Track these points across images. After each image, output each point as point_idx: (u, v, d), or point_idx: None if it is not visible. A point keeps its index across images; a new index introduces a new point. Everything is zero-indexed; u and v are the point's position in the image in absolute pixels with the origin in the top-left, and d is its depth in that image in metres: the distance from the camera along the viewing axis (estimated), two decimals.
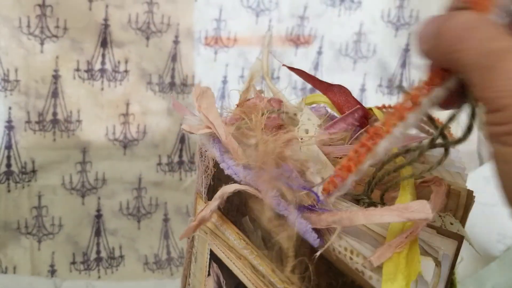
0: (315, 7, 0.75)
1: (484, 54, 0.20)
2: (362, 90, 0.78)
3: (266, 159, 0.28)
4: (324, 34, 0.76)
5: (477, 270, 0.60)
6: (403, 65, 0.77)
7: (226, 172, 0.31)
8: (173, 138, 0.72)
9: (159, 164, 0.72)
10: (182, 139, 0.72)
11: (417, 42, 0.23)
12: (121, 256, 0.71)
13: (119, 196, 0.70)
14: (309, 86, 0.74)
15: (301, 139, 0.32)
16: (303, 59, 0.76)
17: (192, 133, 0.36)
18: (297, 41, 0.75)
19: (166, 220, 0.73)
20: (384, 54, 0.77)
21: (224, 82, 0.73)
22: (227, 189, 0.30)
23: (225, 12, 0.71)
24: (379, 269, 0.25)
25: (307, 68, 0.77)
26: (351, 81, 0.78)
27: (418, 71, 0.77)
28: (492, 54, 0.20)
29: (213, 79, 0.72)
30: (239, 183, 0.30)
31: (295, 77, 0.71)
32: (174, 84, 0.71)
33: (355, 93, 0.78)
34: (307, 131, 0.34)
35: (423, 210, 0.23)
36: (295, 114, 0.34)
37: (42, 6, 0.63)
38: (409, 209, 0.23)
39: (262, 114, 0.35)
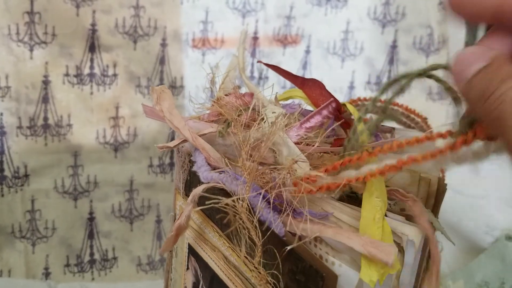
0: (301, 7, 0.75)
1: None
2: (351, 87, 0.78)
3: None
4: (311, 33, 0.77)
5: (466, 262, 0.60)
6: (391, 61, 0.78)
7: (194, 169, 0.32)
8: (163, 140, 0.73)
9: (151, 166, 0.72)
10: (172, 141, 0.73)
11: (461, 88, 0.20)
12: (115, 258, 0.71)
13: (111, 198, 0.71)
14: None
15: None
16: (291, 59, 0.77)
17: (169, 147, 0.37)
18: (284, 41, 0.76)
19: (158, 221, 0.74)
20: (371, 51, 0.78)
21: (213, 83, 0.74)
22: (197, 191, 0.30)
23: (211, 14, 0.72)
24: (341, 255, 0.26)
25: (296, 67, 0.78)
26: (339, 79, 0.78)
27: (405, 68, 0.77)
28: None
29: (201, 81, 0.73)
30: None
31: None
32: None
33: (344, 91, 0.78)
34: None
35: (387, 254, 0.23)
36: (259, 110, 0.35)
37: (31, 13, 0.65)
38: (376, 246, 0.24)
39: (238, 113, 0.35)
